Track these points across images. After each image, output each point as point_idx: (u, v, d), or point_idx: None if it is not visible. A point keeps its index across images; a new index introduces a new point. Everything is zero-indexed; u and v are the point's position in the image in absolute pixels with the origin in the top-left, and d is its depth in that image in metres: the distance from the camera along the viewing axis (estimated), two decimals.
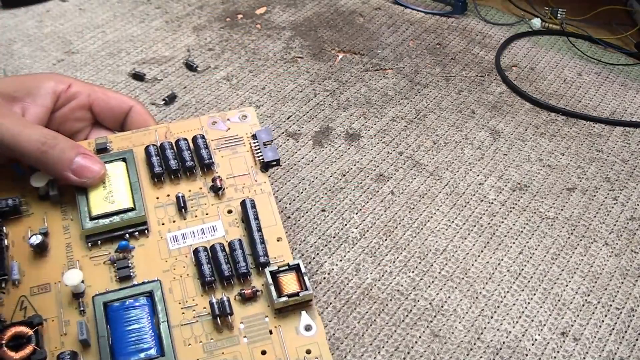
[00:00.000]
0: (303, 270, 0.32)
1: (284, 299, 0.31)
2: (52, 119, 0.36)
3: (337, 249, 0.43)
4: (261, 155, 0.36)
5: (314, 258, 0.42)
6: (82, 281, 0.31)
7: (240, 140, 0.37)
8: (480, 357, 0.38)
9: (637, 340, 0.39)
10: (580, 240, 0.45)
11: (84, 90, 0.37)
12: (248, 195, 0.35)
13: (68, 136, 0.36)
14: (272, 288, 0.31)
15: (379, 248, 0.43)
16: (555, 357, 0.38)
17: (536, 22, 0.65)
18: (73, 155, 0.33)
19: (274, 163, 0.36)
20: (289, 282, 0.32)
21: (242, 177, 0.36)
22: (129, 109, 0.38)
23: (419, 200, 0.47)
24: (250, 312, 0.32)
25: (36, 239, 0.32)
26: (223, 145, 0.37)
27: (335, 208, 0.46)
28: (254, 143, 0.37)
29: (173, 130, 0.37)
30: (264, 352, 0.31)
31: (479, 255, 0.43)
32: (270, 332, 0.31)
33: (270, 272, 0.32)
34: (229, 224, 0.34)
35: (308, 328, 0.32)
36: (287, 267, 0.32)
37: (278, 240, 0.34)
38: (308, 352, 0.31)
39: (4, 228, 0.33)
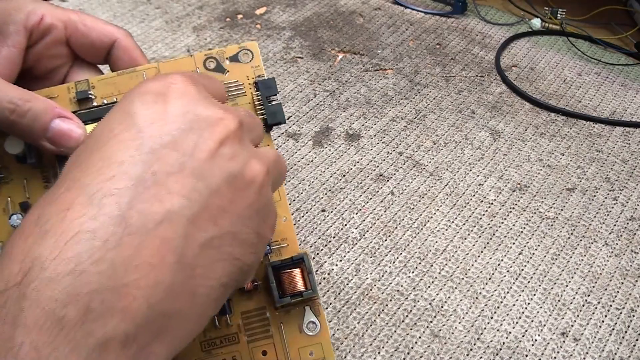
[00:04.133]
0: (308, 266, 0.30)
1: (287, 299, 0.30)
2: (27, 56, 0.31)
3: (337, 249, 0.43)
4: (264, 112, 0.32)
5: (314, 258, 0.42)
6: None
7: (241, 88, 0.32)
8: (480, 357, 0.38)
9: (637, 340, 0.39)
10: (580, 240, 0.45)
11: (59, 23, 0.31)
12: None
13: (45, 74, 0.32)
14: (274, 286, 0.30)
15: (379, 248, 0.43)
16: (555, 358, 0.38)
17: (536, 22, 0.65)
18: (48, 119, 0.28)
19: (280, 122, 0.32)
20: (293, 280, 0.30)
21: None
22: (112, 43, 0.32)
23: (419, 201, 0.47)
24: (250, 306, 0.31)
25: (17, 219, 0.29)
26: None
27: (335, 208, 0.46)
28: (257, 95, 0.32)
29: (163, 72, 0.32)
30: (264, 353, 0.30)
31: (478, 256, 0.43)
32: (272, 330, 0.30)
33: (273, 267, 0.30)
34: None
35: (312, 326, 0.31)
36: (290, 262, 0.30)
37: (283, 220, 0.31)
38: (311, 354, 0.30)
39: None
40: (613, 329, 0.39)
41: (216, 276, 0.23)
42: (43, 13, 0.31)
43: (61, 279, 0.19)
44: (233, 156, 0.23)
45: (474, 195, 0.47)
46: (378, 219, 0.45)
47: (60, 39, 0.32)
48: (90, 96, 0.31)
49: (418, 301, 0.40)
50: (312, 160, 0.50)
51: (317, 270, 0.42)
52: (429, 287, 0.41)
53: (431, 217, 0.46)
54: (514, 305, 0.40)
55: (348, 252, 0.43)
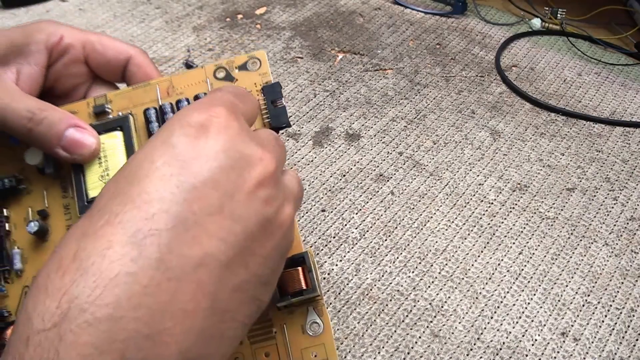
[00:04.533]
0: (309, 265, 0.30)
1: (287, 298, 0.29)
2: (47, 75, 0.33)
3: (337, 249, 0.43)
4: (268, 116, 0.32)
5: (313, 256, 0.42)
6: None
7: None
8: (480, 357, 0.38)
9: (637, 340, 0.39)
10: (580, 240, 0.45)
11: (77, 43, 0.33)
12: None
13: (66, 93, 0.34)
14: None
15: (379, 248, 0.43)
16: (555, 358, 0.38)
17: (536, 22, 0.65)
18: (62, 128, 0.29)
19: (284, 126, 0.32)
20: (294, 279, 0.30)
21: None
22: (127, 60, 0.34)
23: (419, 201, 0.47)
24: None
25: (34, 226, 0.30)
26: None
27: (335, 208, 0.46)
28: (263, 100, 0.32)
29: (176, 85, 0.33)
30: (267, 354, 0.30)
31: (479, 256, 0.43)
32: (274, 331, 0.30)
33: None
34: None
35: (315, 327, 0.31)
36: (291, 261, 0.30)
37: None
38: (314, 355, 0.30)
39: (5, 211, 0.31)
40: (613, 329, 0.39)
41: (242, 318, 0.23)
42: (62, 34, 0.32)
43: (99, 323, 0.19)
44: (268, 199, 0.24)
45: (474, 195, 0.47)
46: (378, 219, 0.45)
47: (78, 58, 0.33)
48: (107, 110, 0.32)
49: (418, 301, 0.40)
50: (312, 160, 0.50)
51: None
52: (429, 287, 0.41)
53: (431, 217, 0.46)
54: (514, 305, 0.40)
55: (348, 252, 0.43)
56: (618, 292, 0.41)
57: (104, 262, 0.20)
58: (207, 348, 0.21)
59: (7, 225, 0.31)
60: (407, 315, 0.40)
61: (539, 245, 0.44)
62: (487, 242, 0.44)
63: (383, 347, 0.38)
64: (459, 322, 0.39)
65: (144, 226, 0.21)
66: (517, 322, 0.39)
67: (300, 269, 0.30)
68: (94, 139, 0.30)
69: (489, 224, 0.45)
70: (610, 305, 0.41)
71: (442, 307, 0.40)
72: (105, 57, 0.34)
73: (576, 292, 0.41)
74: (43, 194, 0.32)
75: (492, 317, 0.40)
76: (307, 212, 0.45)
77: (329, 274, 0.42)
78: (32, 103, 0.30)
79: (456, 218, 0.46)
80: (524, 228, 0.45)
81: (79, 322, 0.19)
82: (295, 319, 0.31)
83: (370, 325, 0.39)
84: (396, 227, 0.45)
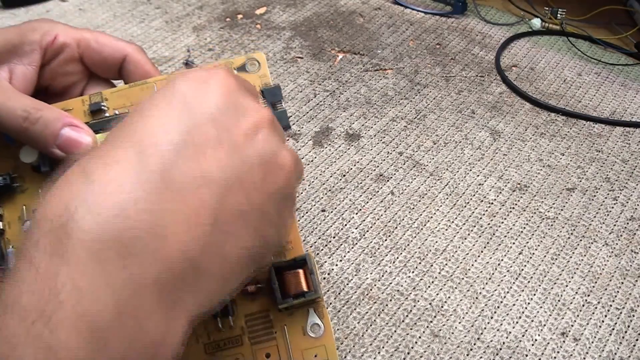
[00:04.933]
0: (310, 267, 0.30)
1: (289, 300, 0.29)
2: (43, 74, 0.33)
3: (337, 249, 0.43)
4: None
5: (314, 258, 0.42)
6: None
7: None
8: (480, 357, 0.38)
9: (637, 340, 0.39)
10: (580, 240, 0.45)
11: (72, 41, 0.33)
12: None
13: (62, 91, 0.33)
14: (276, 287, 0.30)
15: (379, 248, 0.43)
16: (555, 358, 0.38)
17: (536, 22, 0.65)
18: (58, 127, 0.29)
19: (285, 128, 0.31)
20: (296, 281, 0.30)
21: None
22: (124, 57, 0.34)
23: (419, 201, 0.47)
24: (254, 308, 0.31)
25: (30, 225, 0.30)
26: None
27: (335, 208, 0.46)
28: (263, 102, 0.32)
29: None
30: (267, 355, 0.30)
31: (478, 256, 0.43)
32: (275, 332, 0.30)
33: (275, 268, 0.30)
34: None
35: (315, 328, 0.30)
36: (293, 263, 0.30)
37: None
38: (315, 356, 0.30)
39: None
40: (613, 329, 0.39)
41: (245, 245, 0.24)
42: (57, 33, 0.32)
43: (106, 221, 0.20)
44: (266, 141, 0.25)
45: (474, 195, 0.47)
46: (378, 219, 0.45)
47: (73, 56, 0.33)
48: (103, 107, 0.32)
49: (418, 301, 0.40)
50: (312, 160, 0.50)
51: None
52: (429, 287, 0.41)
53: (431, 217, 0.46)
54: (514, 305, 0.40)
55: (348, 252, 0.43)
56: (618, 292, 0.42)
57: (110, 173, 0.21)
58: (209, 262, 0.22)
59: (0, 224, 0.31)
60: (407, 315, 0.40)
61: (539, 245, 0.44)
62: (487, 242, 0.44)
63: (383, 347, 0.38)
64: (459, 322, 0.39)
65: (147, 147, 0.22)
66: (517, 322, 0.39)
67: (301, 270, 0.30)
68: (90, 137, 0.30)
69: (489, 224, 0.45)
70: (610, 305, 0.41)
71: (442, 307, 0.40)
72: (101, 55, 0.34)
73: (576, 292, 0.41)
74: (38, 193, 0.31)
75: (492, 317, 0.40)
76: (307, 212, 0.45)
77: (329, 274, 0.42)
78: (27, 102, 0.30)
79: (456, 218, 0.46)
80: (524, 228, 0.45)
81: (86, 220, 0.20)
82: (296, 320, 0.31)
83: (370, 325, 0.39)
84: (396, 227, 0.45)
